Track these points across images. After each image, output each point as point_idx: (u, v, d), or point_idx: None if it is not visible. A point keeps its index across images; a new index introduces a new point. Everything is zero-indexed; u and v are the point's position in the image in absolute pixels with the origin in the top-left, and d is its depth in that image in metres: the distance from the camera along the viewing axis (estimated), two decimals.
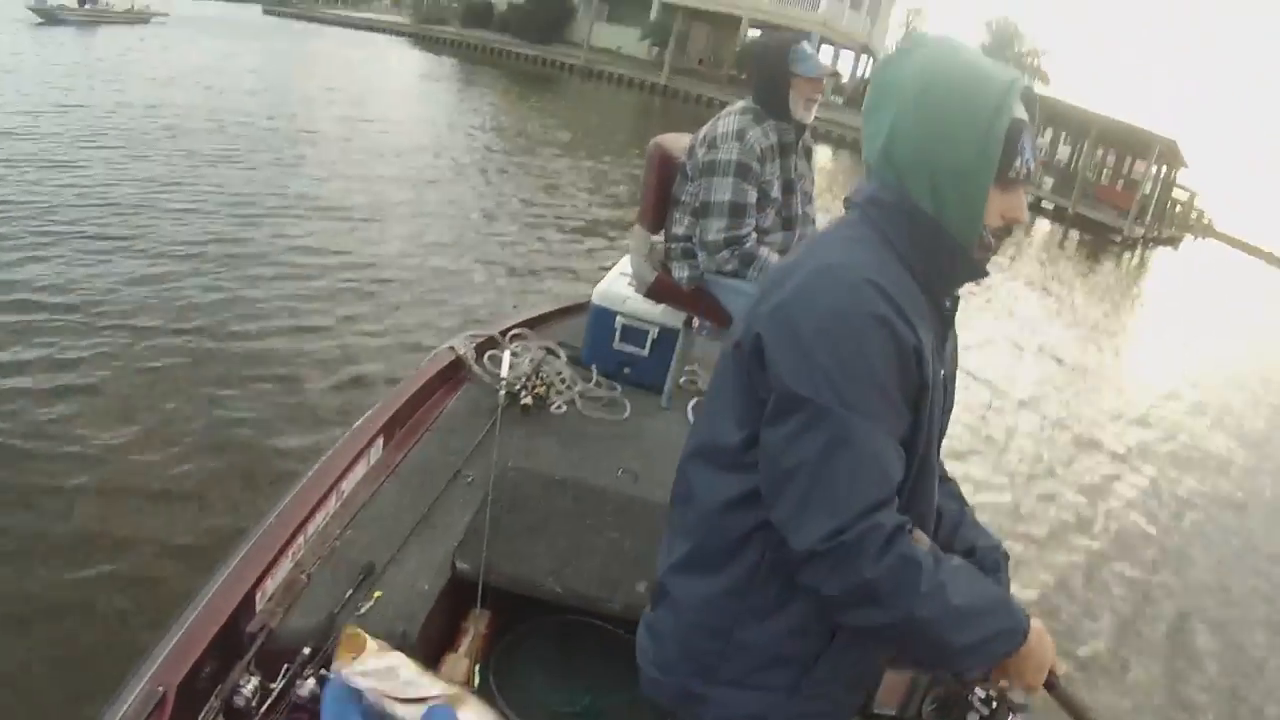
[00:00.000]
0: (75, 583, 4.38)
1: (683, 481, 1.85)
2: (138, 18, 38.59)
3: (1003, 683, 1.75)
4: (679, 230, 4.09)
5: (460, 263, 10.87)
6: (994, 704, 1.85)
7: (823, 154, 37.72)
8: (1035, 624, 1.63)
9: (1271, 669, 6.72)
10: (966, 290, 1.80)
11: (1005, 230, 1.70)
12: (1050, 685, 1.74)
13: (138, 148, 12.75)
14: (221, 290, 8.15)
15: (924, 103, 1.60)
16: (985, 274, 1.73)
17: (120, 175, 11.14)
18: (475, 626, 3.08)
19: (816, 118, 4.04)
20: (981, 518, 2.14)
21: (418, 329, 8.38)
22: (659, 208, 4.18)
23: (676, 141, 4.17)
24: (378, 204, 12.69)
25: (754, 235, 3.88)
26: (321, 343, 7.58)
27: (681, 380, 4.70)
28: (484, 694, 2.99)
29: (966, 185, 1.60)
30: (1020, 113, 1.61)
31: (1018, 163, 1.61)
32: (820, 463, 1.50)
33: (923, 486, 1.73)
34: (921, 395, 1.62)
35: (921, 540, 1.57)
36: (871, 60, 60.54)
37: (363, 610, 2.74)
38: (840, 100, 50.01)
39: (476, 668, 2.94)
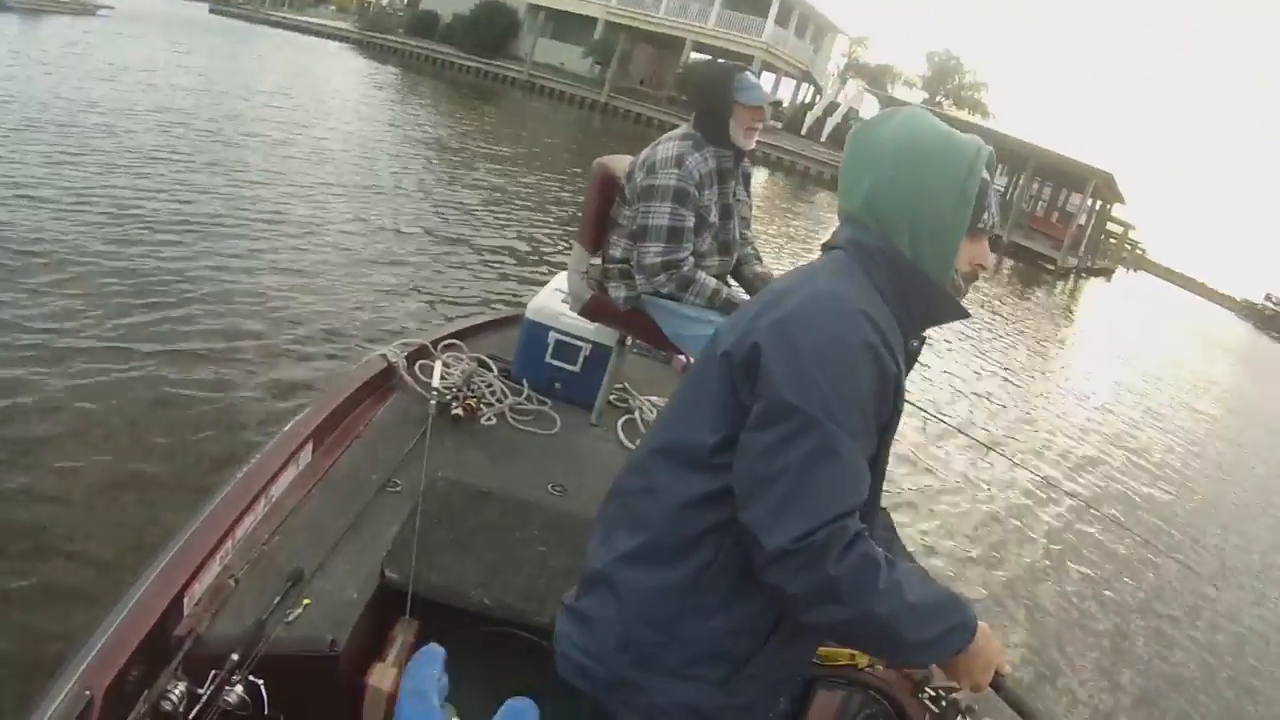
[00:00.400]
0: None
1: (642, 475, 1.92)
2: (83, 9, 38.05)
3: (951, 682, 1.83)
4: (616, 253, 4.11)
5: (394, 273, 10.82)
6: (943, 702, 1.93)
7: (759, 176, 37.99)
8: (983, 625, 1.73)
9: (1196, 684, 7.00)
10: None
11: (973, 275, 1.92)
12: (997, 685, 1.82)
13: (75, 144, 12.47)
14: (149, 296, 8.00)
15: (905, 164, 1.80)
16: (966, 314, 1.91)
17: (54, 172, 10.87)
18: (404, 636, 3.07)
19: (756, 141, 4.10)
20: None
21: (349, 339, 8.33)
22: (599, 227, 4.19)
23: (619, 163, 4.17)
24: (315, 212, 12.56)
25: (691, 259, 3.90)
26: (252, 351, 7.49)
27: (612, 397, 4.72)
28: None
29: (942, 235, 1.81)
30: (986, 175, 1.83)
31: (985, 216, 1.85)
32: (803, 469, 1.61)
33: (871, 508, 1.82)
34: (891, 422, 1.80)
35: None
36: (812, 88, 61.18)
37: (291, 617, 2.72)
38: (779, 125, 50.39)
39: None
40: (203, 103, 19.27)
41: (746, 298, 3.99)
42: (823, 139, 50.12)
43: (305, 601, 2.80)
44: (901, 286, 1.81)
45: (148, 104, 17.06)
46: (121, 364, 6.61)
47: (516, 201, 17.12)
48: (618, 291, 4.15)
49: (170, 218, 10.41)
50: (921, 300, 1.83)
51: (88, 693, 2.21)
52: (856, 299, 1.72)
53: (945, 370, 14.52)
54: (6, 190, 9.79)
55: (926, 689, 1.99)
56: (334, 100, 27.65)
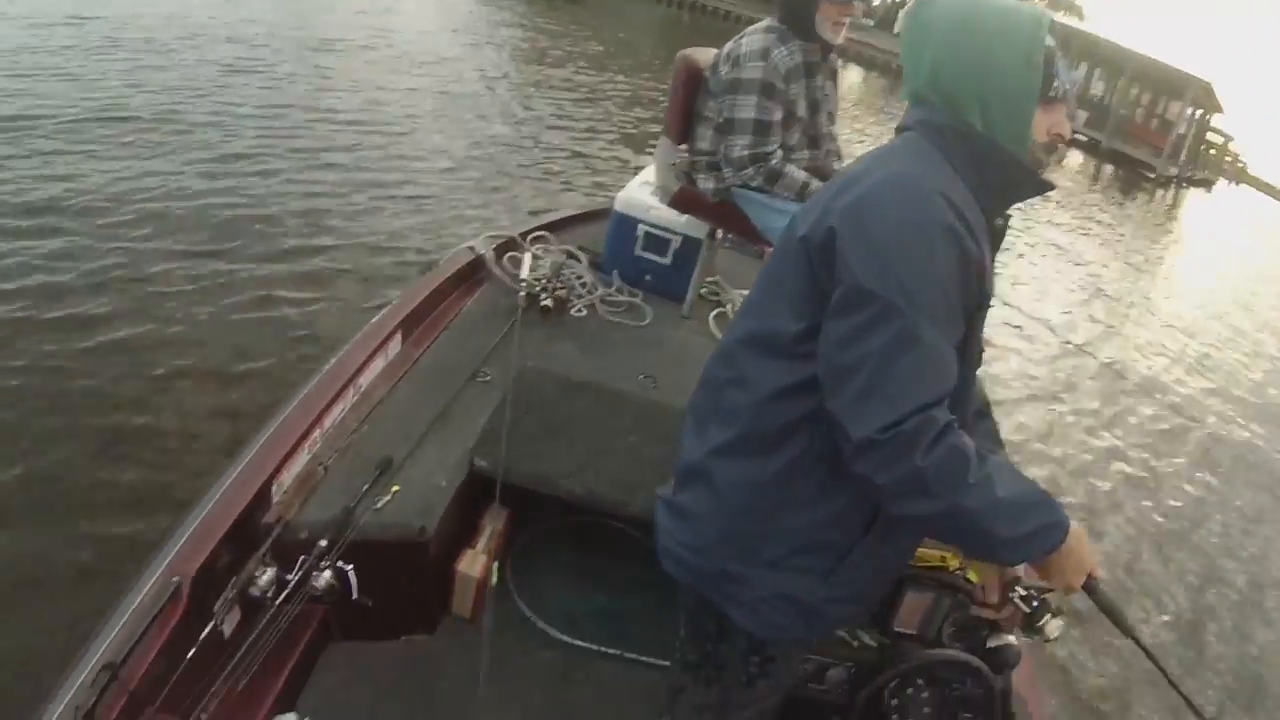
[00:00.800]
0: (91, 481, 4.45)
1: (730, 365, 1.89)
2: None
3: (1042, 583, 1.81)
4: (703, 145, 4.05)
5: (483, 171, 10.80)
6: (1035, 603, 1.91)
7: (854, 74, 37.24)
8: (1075, 525, 1.67)
9: None
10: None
11: (1051, 145, 1.82)
12: (1090, 588, 1.78)
13: (156, 60, 12.31)
14: (242, 202, 8.05)
15: (966, 36, 1.73)
16: (1050, 185, 1.84)
17: (138, 88, 10.77)
18: (493, 524, 3.10)
19: (848, 38, 3.98)
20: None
21: (439, 233, 8.37)
22: (684, 119, 4.12)
23: (704, 55, 4.09)
24: (402, 114, 12.49)
25: (780, 152, 3.83)
26: (340, 251, 7.56)
27: (703, 290, 4.67)
28: (501, 592, 3.02)
29: (1013, 105, 1.73)
30: (1050, 41, 1.75)
31: (1056, 83, 1.76)
32: (885, 357, 1.56)
33: (961, 397, 1.77)
34: (978, 309, 1.72)
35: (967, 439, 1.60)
36: None
37: (380, 504, 2.75)
38: (872, 23, 49.47)
39: (495, 565, 2.95)
40: (283, 13, 19.08)
41: None
42: None
43: (394, 489, 2.81)
44: (977, 162, 1.73)
45: (228, 16, 16.86)
46: (211, 268, 6.68)
47: (605, 99, 16.91)
48: (706, 184, 4.09)
49: (255, 125, 10.39)
50: (999, 175, 1.76)
51: (175, 579, 2.25)
52: (932, 179, 1.66)
53: (1043, 273, 14.17)
54: (91, 107, 9.72)
55: (1018, 589, 1.94)
56: (418, 4, 27.39)
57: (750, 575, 1.84)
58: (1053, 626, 1.88)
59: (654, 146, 4.69)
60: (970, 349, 1.75)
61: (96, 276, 6.23)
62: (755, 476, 1.81)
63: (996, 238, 1.82)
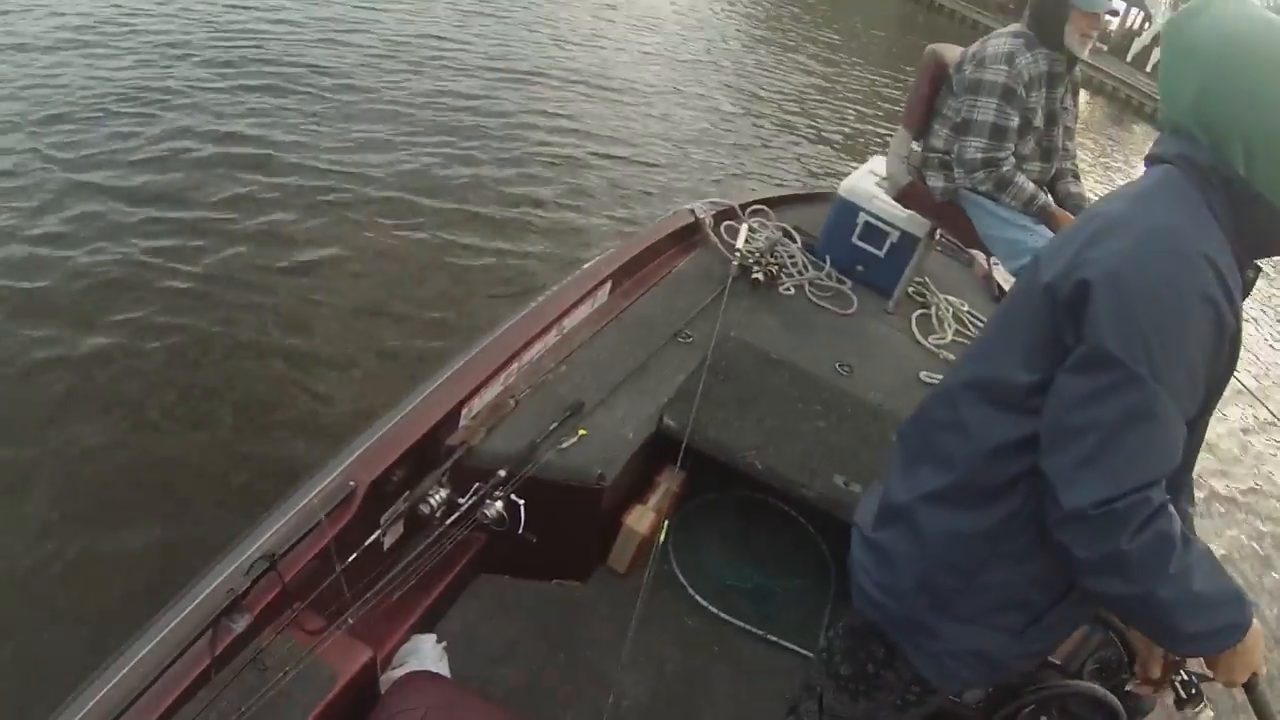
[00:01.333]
0: (290, 383, 4.72)
1: (950, 408, 1.79)
2: None
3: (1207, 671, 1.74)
4: (938, 143, 4.00)
5: (708, 143, 10.75)
6: (1193, 690, 1.86)
7: (1079, 98, 35.91)
8: (1256, 624, 1.61)
9: None
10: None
11: None
12: (1250, 686, 1.72)
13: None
14: (460, 148, 8.16)
15: (1234, 67, 1.53)
16: None
17: (364, 19, 10.97)
18: (669, 484, 3.13)
19: (1080, 60, 3.90)
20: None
21: (651, 201, 8.34)
22: (925, 114, 4.06)
23: (951, 52, 4.02)
24: (632, 77, 12.52)
25: (1012, 160, 3.77)
26: (552, 203, 7.64)
27: (910, 290, 4.58)
28: (660, 553, 3.02)
29: (1278, 150, 1.51)
30: None
31: None
32: (1116, 428, 1.48)
33: (1185, 470, 1.71)
34: (1221, 380, 1.61)
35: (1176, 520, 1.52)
36: (1142, 14, 57.60)
37: (565, 445, 2.77)
38: (1105, 48, 47.84)
39: (664, 524, 2.96)
40: None
41: (1061, 210, 3.87)
42: (1148, 69, 47.18)
43: (581, 432, 2.84)
44: (1237, 212, 1.54)
45: None
46: (417, 209, 6.83)
47: (834, 90, 16.59)
48: (935, 182, 4.06)
49: (483, 69, 10.52)
50: (1258, 228, 1.56)
51: (352, 484, 2.30)
52: (1196, 236, 1.50)
53: (1267, 348, 13.24)
54: (317, 34, 9.94)
55: (1181, 672, 1.91)
56: None
57: (942, 628, 1.80)
58: (1204, 717, 1.84)
59: (878, 145, 4.62)
60: (1201, 422, 1.65)
61: (304, 207, 6.43)
62: (963, 529, 1.74)
63: (1247, 288, 1.65)
